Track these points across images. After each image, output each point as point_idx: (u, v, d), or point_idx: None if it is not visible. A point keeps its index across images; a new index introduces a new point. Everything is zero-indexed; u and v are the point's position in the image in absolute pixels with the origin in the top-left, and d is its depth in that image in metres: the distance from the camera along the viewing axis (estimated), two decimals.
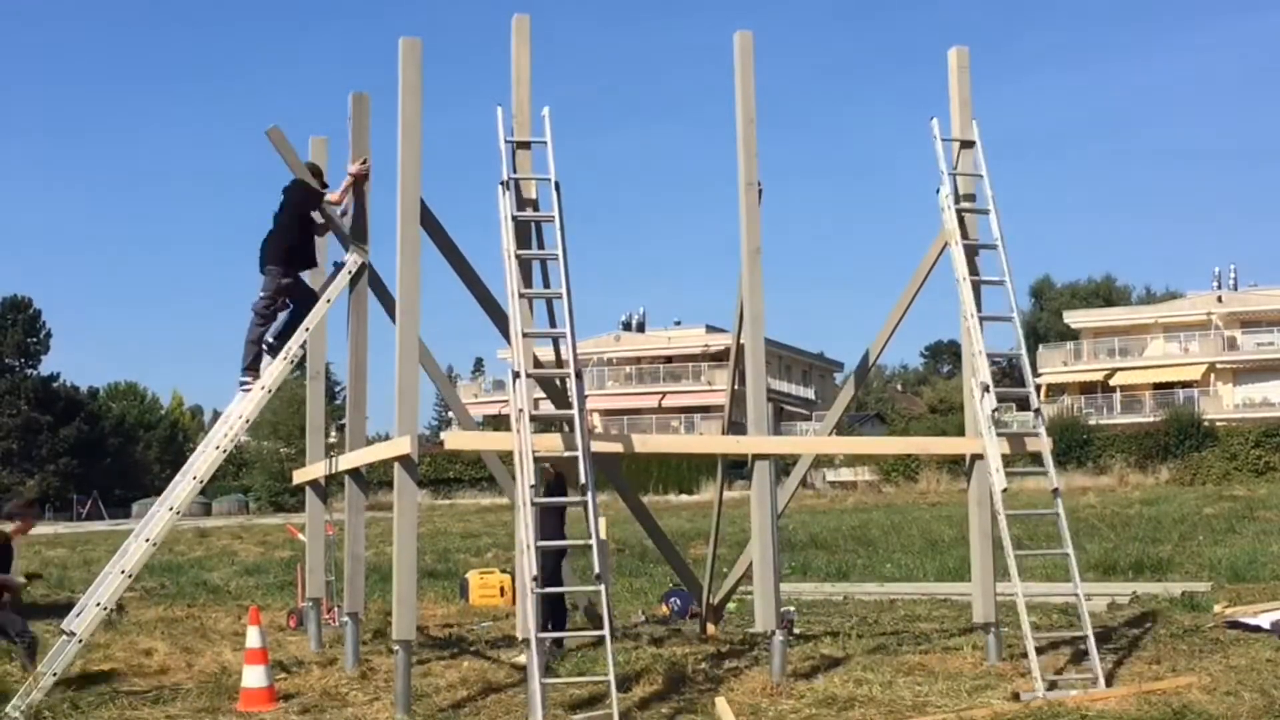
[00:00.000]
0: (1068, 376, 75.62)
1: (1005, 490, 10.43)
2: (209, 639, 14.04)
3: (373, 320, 12.23)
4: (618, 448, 11.02)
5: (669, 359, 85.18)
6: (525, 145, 10.28)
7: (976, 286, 11.23)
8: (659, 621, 14.84)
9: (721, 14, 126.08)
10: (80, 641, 10.42)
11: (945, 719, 8.85)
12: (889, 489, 56.35)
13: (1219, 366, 72.87)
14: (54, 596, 18.92)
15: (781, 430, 66.60)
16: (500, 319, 10.83)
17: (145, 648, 13.16)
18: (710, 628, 13.55)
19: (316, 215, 12.06)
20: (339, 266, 12.08)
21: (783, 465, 12.96)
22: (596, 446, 10.05)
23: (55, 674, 10.20)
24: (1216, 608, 13.67)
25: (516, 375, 9.44)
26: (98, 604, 10.52)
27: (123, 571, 10.65)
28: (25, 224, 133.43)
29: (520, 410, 9.32)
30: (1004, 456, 10.71)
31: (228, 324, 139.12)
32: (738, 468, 12.00)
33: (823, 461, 56.62)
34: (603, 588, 9.37)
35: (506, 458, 11.10)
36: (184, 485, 11.12)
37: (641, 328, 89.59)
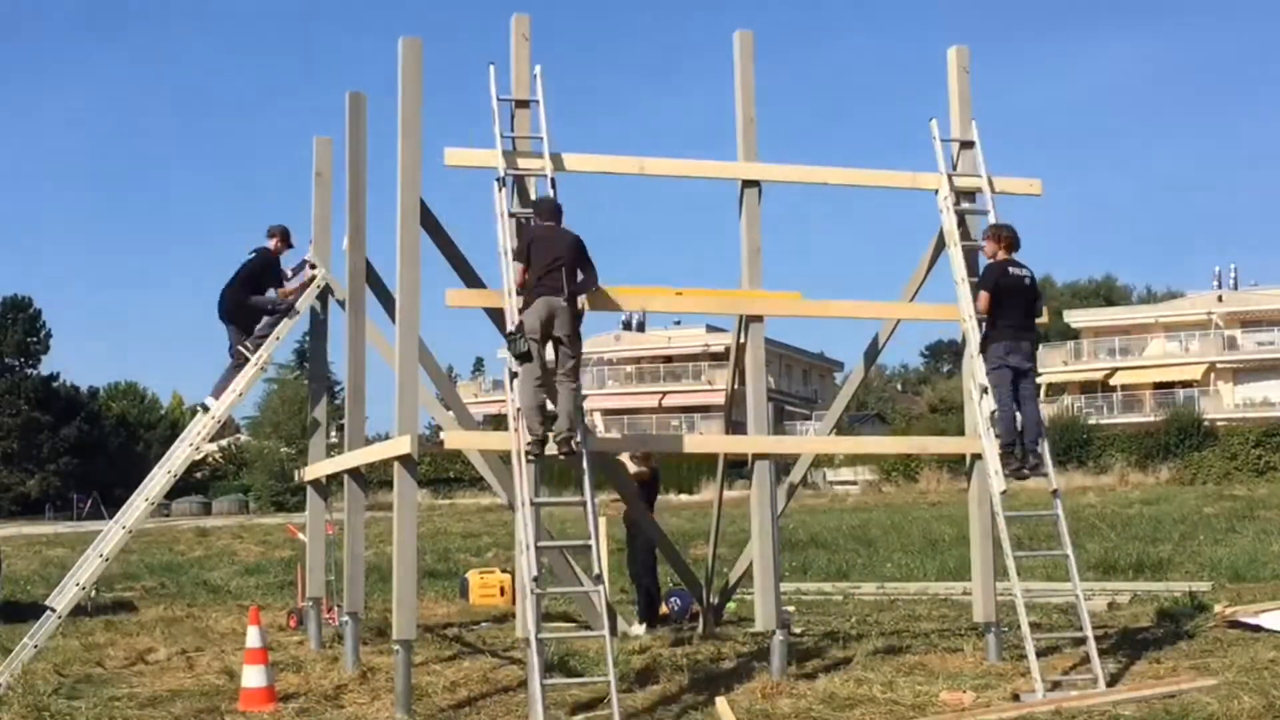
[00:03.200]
0: (1068, 376, 75.59)
1: (1004, 492, 10.42)
2: (209, 639, 14.04)
3: (372, 320, 12.27)
4: (619, 447, 11.01)
5: (669, 359, 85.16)
6: (524, 104, 10.36)
7: (976, 288, 11.19)
8: (659, 621, 14.82)
9: (718, 13, 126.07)
10: (59, 617, 11.76)
11: (946, 719, 8.85)
12: (889, 489, 56.34)
13: (1219, 366, 72.86)
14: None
15: (782, 430, 66.57)
16: (500, 319, 10.82)
17: (145, 648, 13.17)
18: (710, 627, 13.54)
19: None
20: (303, 264, 13.43)
21: (783, 465, 12.95)
22: (602, 445, 10.04)
23: (36, 645, 11.32)
24: (1217, 608, 13.66)
25: (514, 375, 9.43)
26: (77, 584, 11.91)
27: (100, 555, 12.04)
28: (25, 224, 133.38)
29: (519, 409, 9.31)
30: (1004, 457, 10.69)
31: None
32: (738, 468, 11.98)
33: (823, 461, 56.59)
34: (602, 588, 9.36)
35: (505, 457, 11.09)
36: (159, 478, 12.52)
37: (641, 327, 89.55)
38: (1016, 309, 10.69)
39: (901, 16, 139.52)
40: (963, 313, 11.05)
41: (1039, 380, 12.09)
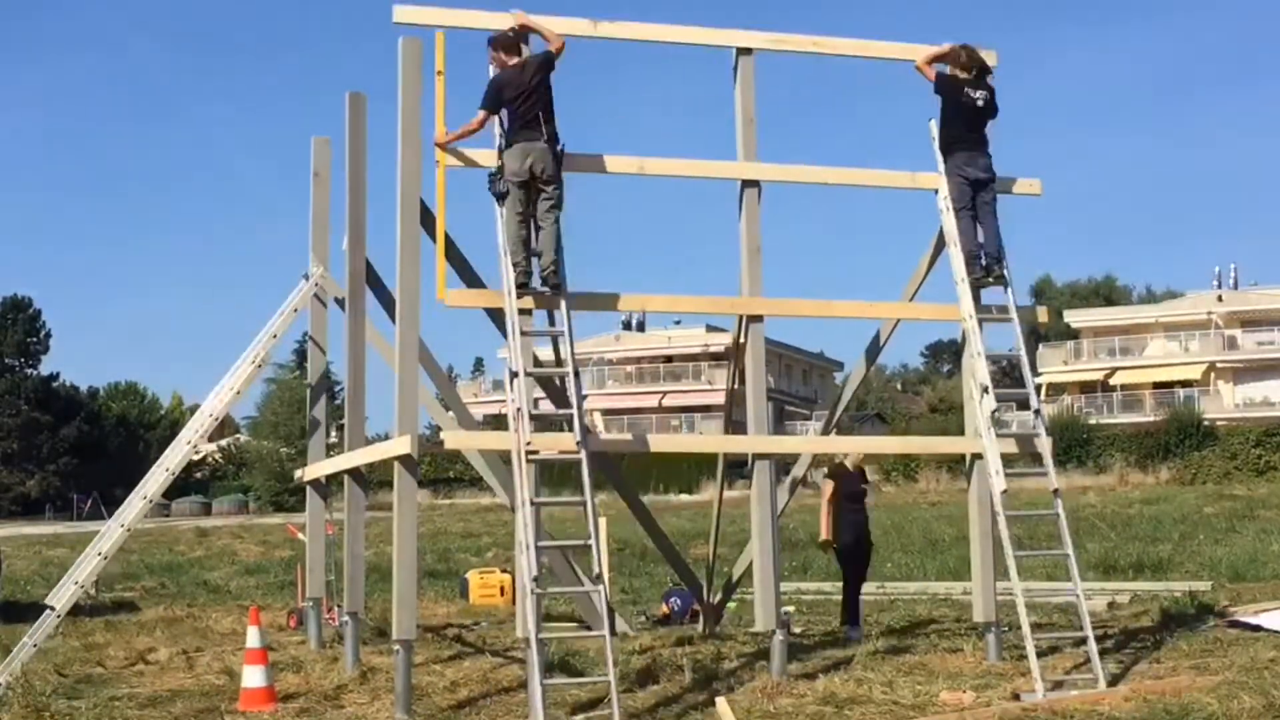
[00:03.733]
0: (1068, 376, 75.58)
1: (1005, 492, 10.40)
2: (209, 639, 14.04)
3: (372, 321, 12.27)
4: (623, 447, 10.99)
5: (669, 359, 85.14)
6: None
7: (975, 287, 11.18)
8: (659, 621, 14.84)
9: (716, 13, 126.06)
10: (59, 616, 11.79)
11: (946, 719, 8.85)
12: (889, 489, 56.31)
13: (1219, 366, 72.83)
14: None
15: (782, 430, 66.54)
16: (500, 319, 10.81)
17: (145, 648, 13.17)
18: (710, 627, 13.54)
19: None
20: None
21: (783, 464, 12.94)
22: (602, 445, 10.04)
23: (35, 644, 11.39)
24: (1217, 607, 13.66)
25: (514, 375, 9.42)
26: (75, 582, 11.96)
27: (99, 554, 12.06)
28: (25, 224, 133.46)
29: (519, 410, 9.30)
30: (1004, 456, 10.69)
31: (228, 323, 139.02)
32: (738, 467, 11.98)
33: (823, 461, 56.50)
34: (602, 587, 9.36)
35: (505, 457, 11.09)
36: (156, 476, 12.62)
37: (641, 327, 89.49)
38: (971, 128, 11.10)
39: (901, 14, 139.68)
40: (963, 312, 11.05)
41: (1039, 380, 12.13)
